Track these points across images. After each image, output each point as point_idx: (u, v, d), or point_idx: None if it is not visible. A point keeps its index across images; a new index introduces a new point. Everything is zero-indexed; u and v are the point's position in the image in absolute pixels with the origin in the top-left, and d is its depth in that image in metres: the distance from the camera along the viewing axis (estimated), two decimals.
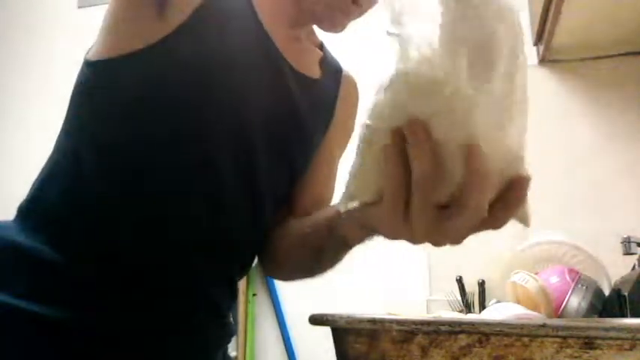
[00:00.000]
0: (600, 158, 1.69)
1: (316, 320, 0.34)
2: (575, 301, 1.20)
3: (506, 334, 0.33)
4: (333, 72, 0.78)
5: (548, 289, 1.22)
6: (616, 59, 1.71)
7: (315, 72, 0.75)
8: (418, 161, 0.37)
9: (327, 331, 0.46)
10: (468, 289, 1.47)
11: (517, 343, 0.34)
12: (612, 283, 1.30)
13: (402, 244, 0.44)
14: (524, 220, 0.43)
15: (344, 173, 0.44)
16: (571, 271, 1.30)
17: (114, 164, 0.59)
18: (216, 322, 0.69)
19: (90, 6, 2.31)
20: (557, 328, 0.35)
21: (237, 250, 0.68)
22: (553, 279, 1.29)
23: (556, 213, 1.60)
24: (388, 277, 1.80)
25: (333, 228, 0.56)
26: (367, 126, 0.38)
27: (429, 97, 0.35)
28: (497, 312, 1.20)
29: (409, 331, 0.32)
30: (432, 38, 0.35)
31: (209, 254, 0.64)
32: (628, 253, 1.21)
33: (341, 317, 0.34)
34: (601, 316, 1.19)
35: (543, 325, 0.34)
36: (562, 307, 1.21)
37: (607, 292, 1.27)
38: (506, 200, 0.40)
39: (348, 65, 0.83)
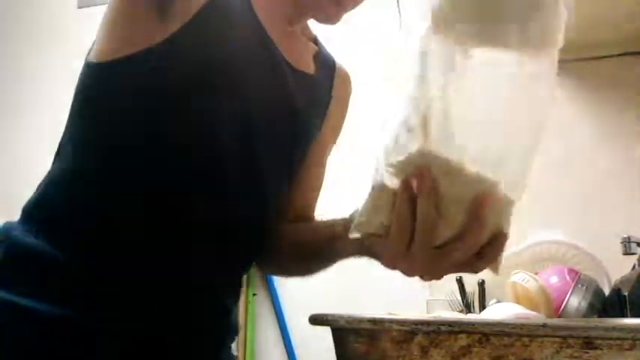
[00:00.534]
0: (600, 158, 1.69)
1: (316, 320, 0.34)
2: (575, 301, 1.20)
3: (507, 334, 0.33)
4: (327, 66, 0.79)
5: (548, 289, 1.22)
6: (616, 59, 1.71)
7: (310, 67, 0.75)
8: (423, 210, 0.44)
9: (327, 330, 0.46)
10: (468, 289, 1.47)
11: (517, 343, 0.34)
12: (612, 283, 1.30)
13: None
14: (495, 270, 0.49)
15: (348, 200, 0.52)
16: (571, 271, 1.30)
17: (118, 166, 0.59)
18: (222, 320, 0.69)
19: (90, 6, 2.31)
20: (557, 328, 0.35)
21: (243, 248, 0.69)
22: (553, 279, 1.29)
23: (556, 213, 1.60)
24: (388, 277, 1.80)
25: (334, 244, 0.64)
26: (383, 172, 0.45)
27: (440, 168, 0.43)
28: (497, 312, 1.20)
29: (409, 331, 0.32)
30: (447, 122, 0.41)
31: (215, 253, 0.64)
32: (628, 253, 1.21)
33: (341, 317, 0.34)
34: (601, 316, 1.19)
35: (543, 325, 0.34)
36: (562, 307, 1.21)
37: (607, 292, 1.27)
38: (486, 253, 0.46)
39: (341, 57, 0.84)
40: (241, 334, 1.89)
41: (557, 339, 0.34)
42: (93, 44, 0.64)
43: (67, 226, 0.59)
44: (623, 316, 1.06)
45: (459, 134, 0.41)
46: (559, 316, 1.20)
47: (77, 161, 0.61)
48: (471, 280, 1.44)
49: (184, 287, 0.62)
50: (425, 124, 0.41)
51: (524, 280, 1.24)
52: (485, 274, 1.45)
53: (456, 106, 0.41)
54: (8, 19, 2.46)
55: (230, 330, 0.72)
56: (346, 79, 0.83)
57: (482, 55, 0.41)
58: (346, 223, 0.58)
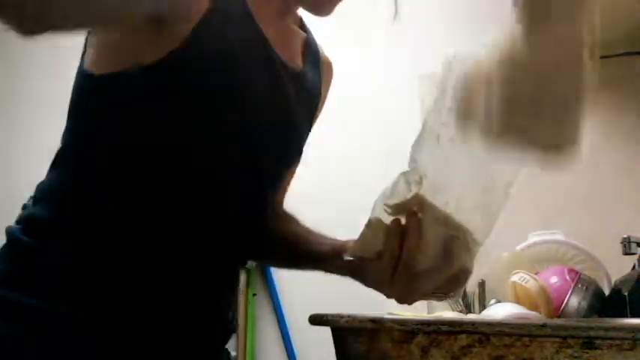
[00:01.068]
0: (600, 158, 1.69)
1: (316, 320, 0.34)
2: (575, 301, 1.20)
3: (507, 334, 0.33)
4: (315, 59, 0.80)
5: (548, 289, 1.21)
6: (615, 59, 1.71)
7: (301, 61, 0.76)
8: (408, 242, 0.56)
9: (327, 330, 0.46)
10: (468, 289, 1.47)
11: (517, 343, 0.34)
12: (612, 283, 1.30)
13: None
14: (454, 301, 0.71)
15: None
16: (571, 271, 1.30)
17: (122, 175, 0.60)
18: (219, 319, 0.69)
19: None
20: (557, 328, 0.35)
21: (241, 246, 0.69)
22: (553, 279, 1.29)
23: (556, 213, 1.60)
24: None
25: (319, 264, 0.73)
26: (380, 211, 0.57)
27: (426, 212, 0.55)
28: (497, 312, 1.20)
29: (409, 331, 0.32)
30: (435, 180, 0.55)
31: (213, 252, 0.64)
32: (628, 253, 1.21)
33: (341, 317, 0.34)
34: (601, 316, 1.19)
35: (544, 326, 0.34)
36: (562, 307, 1.20)
37: (607, 292, 1.27)
38: (451, 284, 0.57)
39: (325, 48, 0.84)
40: (241, 334, 1.89)
41: (558, 339, 0.34)
42: (86, 48, 0.63)
43: (66, 228, 0.59)
44: (623, 316, 1.06)
45: (442, 190, 0.55)
46: (559, 316, 1.20)
47: (78, 170, 0.62)
48: (471, 280, 1.44)
49: (182, 287, 0.62)
50: (421, 180, 0.55)
51: (524, 280, 1.24)
52: (485, 275, 1.45)
53: (442, 170, 0.55)
54: None
55: (227, 329, 0.72)
56: (329, 69, 0.84)
57: (459, 136, 0.53)
58: (334, 246, 0.71)
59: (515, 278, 1.26)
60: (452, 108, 0.52)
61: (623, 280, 1.18)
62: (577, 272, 1.28)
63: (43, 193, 0.63)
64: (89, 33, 0.64)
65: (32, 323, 0.56)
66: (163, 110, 0.59)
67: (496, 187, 0.57)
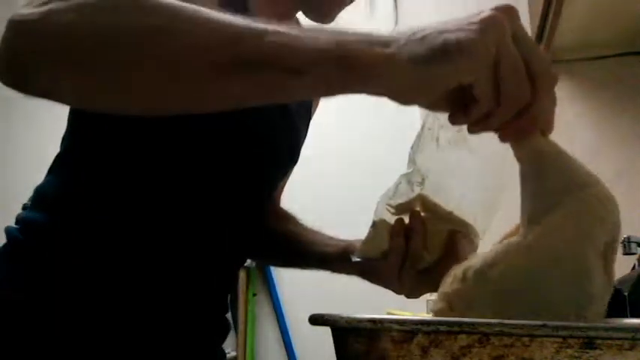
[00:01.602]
0: (600, 158, 1.69)
1: (316, 320, 0.34)
2: None
3: (506, 334, 0.33)
4: None
5: None
6: (616, 59, 1.71)
7: None
8: (413, 241, 0.58)
9: (327, 330, 0.46)
10: None
11: (517, 343, 0.34)
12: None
13: None
14: None
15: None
16: None
17: (122, 180, 0.60)
18: (216, 319, 0.70)
19: None
20: (557, 328, 0.35)
21: (239, 248, 0.70)
22: None
23: None
24: None
25: (324, 265, 0.75)
26: (384, 212, 0.59)
27: (429, 210, 0.58)
28: None
29: (409, 331, 0.32)
30: (445, 176, 0.57)
31: (212, 255, 0.65)
32: (628, 253, 1.21)
33: (341, 317, 0.34)
34: None
35: (543, 325, 0.34)
36: None
37: None
38: None
39: None
40: (241, 334, 1.89)
41: (558, 339, 0.34)
42: None
43: (64, 230, 0.59)
44: (623, 316, 1.06)
45: (443, 189, 0.58)
46: None
47: (77, 174, 0.62)
48: None
49: (179, 287, 0.63)
50: (423, 181, 0.57)
51: None
52: None
53: (442, 170, 0.57)
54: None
55: (224, 328, 0.73)
56: None
57: (457, 137, 0.56)
58: (340, 247, 0.72)
59: None
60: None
61: (623, 280, 1.18)
62: None
63: (41, 196, 0.63)
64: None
65: (29, 323, 0.56)
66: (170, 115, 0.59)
67: (492, 182, 0.59)
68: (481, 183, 0.59)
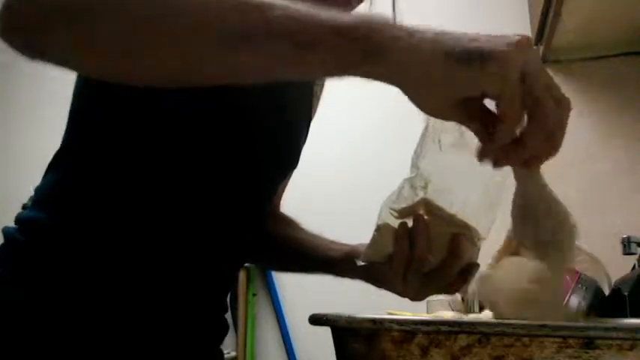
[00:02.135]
0: (600, 158, 1.69)
1: (316, 320, 0.34)
2: (575, 301, 1.20)
3: (506, 334, 0.33)
4: None
5: None
6: (616, 59, 1.71)
7: None
8: (418, 244, 0.58)
9: (327, 330, 0.46)
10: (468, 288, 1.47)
11: (517, 343, 0.34)
12: (612, 283, 1.30)
13: None
14: (463, 292, 0.72)
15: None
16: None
17: (124, 178, 0.59)
18: (215, 319, 0.70)
19: None
20: (557, 328, 0.35)
21: (239, 251, 0.70)
22: None
23: None
24: None
25: (329, 269, 0.75)
26: (387, 216, 0.59)
27: (433, 213, 0.58)
28: None
29: (409, 331, 0.32)
30: (448, 179, 0.58)
31: (212, 257, 0.64)
32: (628, 253, 1.21)
33: (341, 317, 0.34)
34: (601, 316, 1.19)
35: (543, 326, 0.34)
36: None
37: (607, 292, 1.27)
38: (461, 277, 0.61)
39: None
40: (241, 334, 1.89)
41: (558, 339, 0.34)
42: None
43: (64, 228, 0.59)
44: (624, 316, 1.06)
45: (446, 193, 0.58)
46: None
47: (78, 172, 0.61)
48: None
49: (179, 288, 0.62)
50: (426, 185, 0.57)
51: None
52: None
53: (444, 174, 0.58)
54: None
55: (223, 329, 0.72)
56: None
57: (459, 141, 0.56)
58: (344, 251, 0.72)
59: None
60: None
61: (623, 280, 1.18)
62: (577, 272, 1.28)
63: (41, 195, 0.63)
64: None
65: (28, 323, 0.56)
66: (171, 115, 0.58)
67: (494, 184, 0.59)
68: (482, 183, 0.60)
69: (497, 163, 0.46)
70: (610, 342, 0.34)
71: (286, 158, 0.73)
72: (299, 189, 2.00)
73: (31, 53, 0.45)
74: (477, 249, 0.62)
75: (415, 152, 0.59)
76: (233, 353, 1.89)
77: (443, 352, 0.31)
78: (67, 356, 0.55)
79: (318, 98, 0.83)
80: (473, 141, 0.49)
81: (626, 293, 1.08)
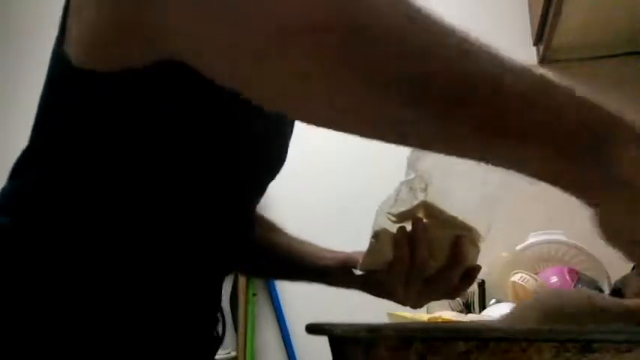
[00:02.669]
0: None
1: (313, 330, 0.34)
2: None
3: (504, 340, 0.33)
4: None
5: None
6: (616, 59, 1.71)
7: None
8: (419, 249, 0.55)
9: None
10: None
11: (515, 348, 0.34)
12: (612, 283, 1.30)
13: None
14: (463, 296, 0.76)
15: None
16: (571, 271, 1.30)
17: (113, 182, 0.55)
18: (209, 332, 0.68)
19: None
20: (554, 332, 0.35)
21: (230, 260, 0.68)
22: (553, 279, 1.30)
23: (556, 213, 1.60)
24: None
25: (326, 272, 0.72)
26: (385, 221, 0.58)
27: (434, 216, 0.57)
28: (497, 312, 1.20)
29: (406, 339, 0.32)
30: (448, 180, 0.57)
31: (203, 264, 0.62)
32: None
33: (338, 326, 0.34)
34: None
35: (541, 330, 0.34)
36: None
37: (607, 292, 1.27)
38: (463, 281, 0.59)
39: None
40: (241, 334, 1.89)
41: (555, 343, 0.35)
42: (65, 31, 0.54)
43: (33, 232, 0.54)
44: None
45: (446, 195, 0.57)
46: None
47: (58, 173, 0.55)
48: None
49: (168, 296, 0.59)
50: (426, 187, 0.56)
51: (524, 280, 1.24)
52: (485, 274, 1.45)
53: (444, 176, 0.57)
54: (6, 19, 2.46)
55: (215, 341, 0.70)
56: None
57: None
58: (338, 260, 0.70)
59: (515, 278, 1.26)
60: None
61: (623, 280, 1.18)
62: (577, 272, 1.29)
63: (5, 198, 0.57)
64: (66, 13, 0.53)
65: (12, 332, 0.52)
66: (161, 115, 0.53)
67: (492, 183, 0.59)
68: (481, 181, 0.59)
69: None
70: (608, 345, 0.34)
71: (278, 157, 0.70)
72: (290, 192, 2.00)
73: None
74: (477, 250, 0.60)
75: (412, 154, 0.57)
76: (233, 353, 1.89)
77: (440, 359, 0.31)
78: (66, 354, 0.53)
79: None
80: None
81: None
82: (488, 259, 1.43)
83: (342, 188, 2.01)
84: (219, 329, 0.71)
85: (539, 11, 1.58)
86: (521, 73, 0.35)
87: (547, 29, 1.59)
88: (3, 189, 0.58)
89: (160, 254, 0.57)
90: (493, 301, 1.34)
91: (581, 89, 0.37)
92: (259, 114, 0.61)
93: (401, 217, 0.58)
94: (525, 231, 1.50)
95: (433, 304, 1.66)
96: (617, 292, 1.13)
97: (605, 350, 0.35)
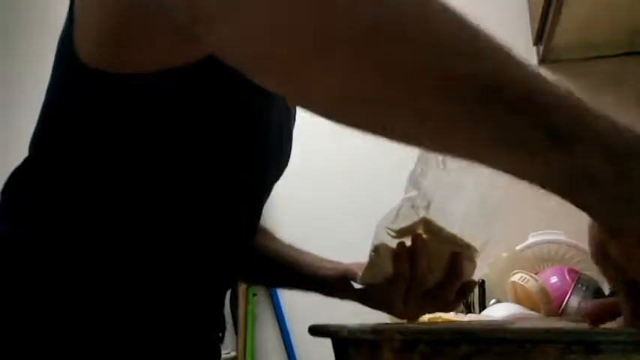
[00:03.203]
0: None
1: (316, 331, 0.34)
2: (575, 301, 1.20)
3: (509, 341, 0.33)
4: None
5: (548, 289, 1.22)
6: (616, 59, 1.71)
7: None
8: (419, 264, 0.57)
9: None
10: None
11: (520, 350, 0.34)
12: None
13: None
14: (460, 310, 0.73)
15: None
16: (571, 271, 1.30)
17: (121, 190, 0.54)
18: (213, 336, 0.67)
19: None
20: (560, 333, 0.35)
21: (237, 262, 0.67)
22: (553, 279, 1.29)
23: (557, 213, 1.60)
24: None
25: (325, 282, 0.73)
26: (385, 234, 0.59)
27: (434, 232, 0.58)
28: (498, 312, 1.20)
29: (411, 341, 0.32)
30: (449, 199, 0.58)
31: (209, 271, 0.62)
32: None
33: (342, 328, 0.34)
34: None
35: (546, 332, 0.34)
36: (562, 307, 1.21)
37: (607, 292, 1.27)
38: (459, 295, 0.60)
39: None
40: (241, 334, 1.89)
41: (560, 345, 0.34)
42: (72, 29, 0.52)
43: (34, 240, 0.53)
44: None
45: (446, 212, 0.59)
46: (559, 316, 1.20)
47: (66, 183, 0.54)
48: None
49: (172, 303, 0.58)
50: (428, 205, 0.58)
51: (524, 280, 1.24)
52: (485, 275, 1.44)
53: (446, 193, 0.58)
54: (6, 19, 2.46)
55: (217, 349, 0.69)
56: None
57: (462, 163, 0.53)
58: (338, 271, 0.70)
59: (515, 278, 1.26)
60: None
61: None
62: (577, 272, 1.29)
63: (8, 203, 0.56)
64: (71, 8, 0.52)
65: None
66: (180, 118, 0.52)
67: (492, 198, 0.60)
68: (480, 198, 0.60)
69: None
70: (614, 347, 0.34)
71: (284, 156, 0.70)
72: (290, 193, 1.98)
73: None
74: (474, 266, 0.62)
75: (414, 172, 0.59)
76: (233, 353, 1.89)
77: None
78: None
79: None
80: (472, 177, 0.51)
81: None
82: (489, 259, 1.43)
83: (342, 191, 2.00)
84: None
85: (539, 11, 1.57)
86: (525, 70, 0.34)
87: (547, 29, 1.59)
88: (4, 194, 0.57)
89: (167, 256, 0.56)
90: (493, 301, 1.34)
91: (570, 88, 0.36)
92: (269, 113, 0.61)
93: (401, 232, 0.59)
94: (525, 231, 1.50)
95: None
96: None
97: (610, 352, 0.34)
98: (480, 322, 0.77)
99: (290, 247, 0.80)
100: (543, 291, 1.21)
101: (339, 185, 2.03)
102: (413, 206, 0.58)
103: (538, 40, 1.73)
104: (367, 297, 0.68)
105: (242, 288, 1.92)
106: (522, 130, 0.32)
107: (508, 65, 0.33)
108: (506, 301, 1.29)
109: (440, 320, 1.16)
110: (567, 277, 1.28)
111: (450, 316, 1.22)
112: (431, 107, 0.33)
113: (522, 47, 1.80)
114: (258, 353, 1.93)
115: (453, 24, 0.34)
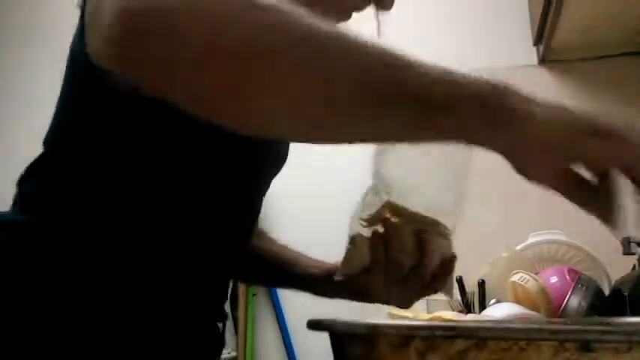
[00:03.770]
0: None
1: (314, 325, 0.34)
2: (575, 301, 1.20)
3: (503, 338, 0.33)
4: None
5: (548, 289, 1.22)
6: (616, 59, 1.71)
7: None
8: (391, 249, 0.58)
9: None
10: (467, 289, 1.47)
11: (514, 347, 0.34)
12: (612, 283, 1.30)
13: None
14: (449, 292, 0.69)
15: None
16: (571, 271, 1.30)
17: (118, 185, 0.56)
18: (212, 335, 0.68)
19: None
20: (553, 331, 0.35)
21: (231, 264, 0.68)
22: (553, 279, 1.29)
23: (556, 213, 1.60)
24: None
25: (313, 281, 0.73)
26: (358, 225, 0.59)
27: (400, 214, 0.58)
28: (497, 312, 1.20)
29: (406, 336, 0.32)
30: (412, 178, 0.59)
31: (207, 271, 0.62)
32: (628, 253, 1.21)
33: (339, 322, 0.34)
34: (601, 316, 1.19)
35: (541, 329, 0.35)
36: (562, 307, 1.21)
37: (607, 292, 1.27)
38: (439, 274, 0.60)
39: None
40: (241, 334, 1.90)
41: (554, 342, 0.35)
42: (84, 32, 0.53)
43: (46, 230, 0.55)
44: (624, 316, 1.06)
45: (410, 193, 0.59)
46: (559, 316, 1.20)
47: (72, 179, 0.56)
48: (471, 280, 1.44)
49: (171, 300, 0.59)
50: (389, 188, 0.58)
51: (524, 280, 1.24)
52: (485, 275, 1.44)
53: (407, 175, 0.58)
54: (5, 19, 2.46)
55: (219, 345, 0.70)
56: None
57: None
58: (325, 269, 0.70)
59: (515, 278, 1.26)
60: None
61: (623, 280, 1.18)
62: (577, 272, 1.29)
63: (23, 198, 0.59)
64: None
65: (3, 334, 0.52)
66: (176, 119, 0.50)
67: (458, 173, 0.60)
68: (443, 179, 0.60)
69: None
70: (607, 345, 0.35)
71: (283, 149, 0.71)
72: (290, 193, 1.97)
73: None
74: (448, 243, 0.61)
75: (374, 159, 0.58)
76: (233, 353, 1.89)
77: (440, 356, 0.32)
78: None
79: None
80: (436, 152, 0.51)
81: (626, 293, 1.08)
82: (489, 259, 1.43)
83: (342, 191, 2.00)
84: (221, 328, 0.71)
85: (539, 11, 1.58)
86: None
87: (547, 29, 1.59)
88: (23, 185, 0.60)
89: (170, 247, 0.57)
90: (493, 301, 1.34)
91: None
92: None
93: (371, 220, 0.59)
94: (525, 231, 1.50)
95: (434, 304, 1.66)
96: (617, 292, 1.13)
97: (604, 350, 0.35)
98: (477, 321, 0.78)
99: (282, 246, 0.80)
100: (543, 291, 1.21)
101: (339, 185, 2.03)
102: (376, 193, 0.58)
103: (538, 40, 1.73)
104: (353, 291, 0.67)
105: (242, 288, 1.92)
106: (418, 114, 0.40)
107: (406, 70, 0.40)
108: (506, 301, 1.29)
109: (440, 319, 1.16)
110: (567, 277, 1.28)
111: (451, 315, 1.22)
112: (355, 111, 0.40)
113: (522, 47, 1.80)
114: (258, 353, 1.94)
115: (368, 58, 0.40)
